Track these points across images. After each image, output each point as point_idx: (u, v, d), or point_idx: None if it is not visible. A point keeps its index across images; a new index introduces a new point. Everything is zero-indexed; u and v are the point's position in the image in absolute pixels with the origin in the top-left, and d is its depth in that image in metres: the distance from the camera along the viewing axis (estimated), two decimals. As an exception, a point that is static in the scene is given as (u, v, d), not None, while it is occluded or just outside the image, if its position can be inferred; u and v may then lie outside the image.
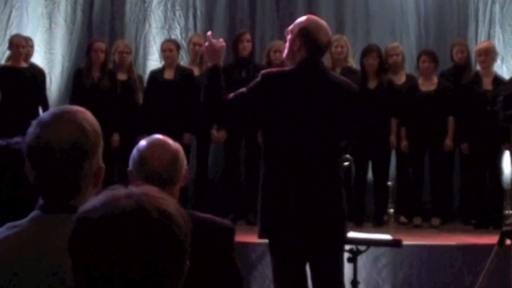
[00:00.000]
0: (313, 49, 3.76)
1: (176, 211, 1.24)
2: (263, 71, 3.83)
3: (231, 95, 3.73)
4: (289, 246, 3.76)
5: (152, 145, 2.56)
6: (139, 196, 1.23)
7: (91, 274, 1.21)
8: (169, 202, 1.25)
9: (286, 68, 3.86)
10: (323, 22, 3.88)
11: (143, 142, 2.58)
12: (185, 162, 2.61)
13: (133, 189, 1.26)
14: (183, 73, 7.38)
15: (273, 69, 3.95)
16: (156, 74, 7.45)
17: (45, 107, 7.24)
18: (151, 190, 1.27)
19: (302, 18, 3.89)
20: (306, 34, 3.77)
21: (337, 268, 3.85)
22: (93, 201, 1.25)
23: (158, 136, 2.62)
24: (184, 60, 7.97)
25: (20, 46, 7.32)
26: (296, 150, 3.72)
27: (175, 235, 1.22)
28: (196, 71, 7.47)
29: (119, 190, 1.25)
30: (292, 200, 3.70)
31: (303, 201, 3.70)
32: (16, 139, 2.18)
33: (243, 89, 3.76)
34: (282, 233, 3.76)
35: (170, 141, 2.60)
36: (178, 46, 7.57)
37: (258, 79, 3.74)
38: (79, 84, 7.29)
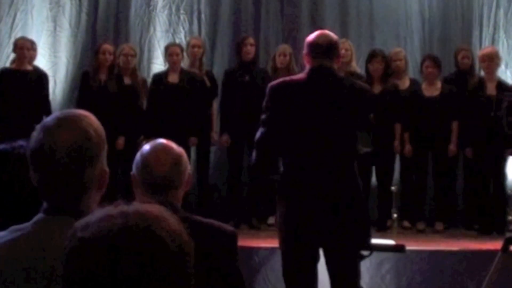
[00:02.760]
0: (314, 52, 3.91)
1: (168, 234, 1.20)
2: (270, 84, 3.98)
3: (260, 136, 3.85)
4: (304, 245, 3.83)
5: (155, 149, 2.56)
6: (131, 215, 1.20)
7: None
8: (165, 223, 1.21)
9: (294, 76, 4.00)
10: (326, 31, 4.07)
11: (146, 147, 2.59)
12: (188, 166, 2.61)
13: (130, 207, 1.23)
14: (188, 77, 7.38)
15: (280, 79, 4.07)
16: (160, 77, 7.44)
17: (48, 111, 7.23)
18: (151, 209, 1.24)
19: None
20: (307, 43, 3.98)
21: (353, 268, 3.91)
22: (88, 216, 1.23)
23: (162, 140, 2.62)
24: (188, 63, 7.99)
25: (25, 48, 7.33)
26: (311, 154, 3.81)
27: (160, 258, 1.18)
28: (196, 74, 7.47)
29: (116, 208, 1.23)
30: (311, 201, 3.77)
31: (321, 202, 3.76)
32: (21, 142, 2.18)
33: (263, 117, 3.88)
34: (299, 231, 3.81)
35: (173, 145, 2.60)
36: (182, 50, 7.57)
37: (267, 94, 3.90)
38: (86, 87, 7.30)
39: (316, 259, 3.91)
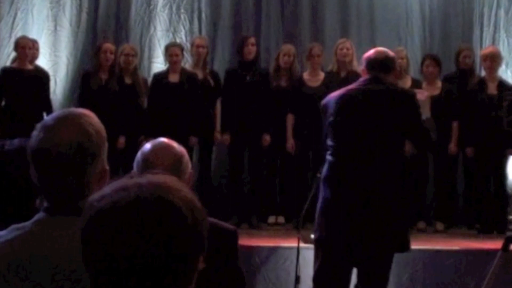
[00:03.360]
0: (370, 66, 4.21)
1: (183, 202, 1.22)
2: (322, 101, 4.26)
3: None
4: (342, 249, 3.99)
5: (156, 148, 2.56)
6: (144, 185, 1.22)
7: (101, 264, 1.19)
8: (178, 193, 1.23)
9: (342, 89, 4.28)
10: (383, 48, 4.41)
11: (147, 145, 2.59)
12: (189, 165, 2.61)
13: (144, 178, 1.25)
14: (188, 77, 7.38)
15: (329, 96, 4.30)
16: (161, 77, 7.43)
17: (49, 110, 7.23)
18: (163, 179, 1.26)
19: None
20: (365, 58, 4.29)
21: (385, 276, 4.10)
22: (104, 189, 1.25)
23: (163, 139, 2.62)
24: (189, 62, 7.98)
25: (27, 47, 7.33)
26: (360, 155, 4.01)
27: (175, 226, 1.20)
28: (200, 73, 7.46)
29: (130, 179, 1.25)
30: (355, 205, 3.96)
31: (366, 207, 3.94)
32: (16, 140, 2.19)
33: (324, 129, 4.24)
34: (338, 237, 3.98)
35: (174, 144, 2.60)
36: (182, 50, 7.57)
37: (321, 109, 4.22)
38: (87, 86, 7.30)
39: (353, 266, 4.06)
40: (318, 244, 4.07)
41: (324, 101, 4.23)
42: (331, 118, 4.09)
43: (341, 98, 4.13)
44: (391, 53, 4.36)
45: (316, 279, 4.05)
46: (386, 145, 4.03)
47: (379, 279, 4.08)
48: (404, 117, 4.07)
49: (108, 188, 1.24)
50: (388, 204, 3.98)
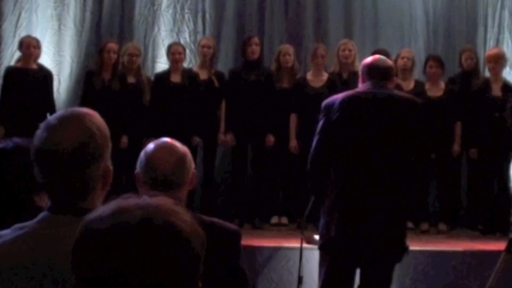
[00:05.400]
0: (371, 73, 4.15)
1: (186, 226, 1.21)
2: (324, 102, 4.15)
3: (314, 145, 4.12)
4: (350, 248, 4.00)
5: (159, 148, 2.56)
6: (148, 207, 1.20)
7: (94, 285, 1.18)
8: (181, 216, 1.22)
9: (345, 92, 4.21)
10: (382, 57, 4.38)
11: (150, 145, 2.59)
12: (192, 165, 2.60)
13: (143, 199, 1.23)
14: (190, 76, 7.38)
15: (331, 97, 4.23)
16: (163, 77, 7.43)
17: (52, 110, 7.23)
18: (163, 201, 1.24)
19: None
20: (365, 64, 4.21)
21: (387, 281, 4.13)
22: (100, 209, 1.23)
23: (166, 139, 2.62)
24: (192, 62, 7.98)
25: (32, 46, 7.33)
26: (364, 167, 4.00)
27: (180, 250, 1.19)
28: (205, 74, 7.46)
29: (128, 200, 1.23)
30: (360, 211, 3.97)
31: (370, 213, 3.96)
32: (16, 139, 2.20)
33: (316, 137, 4.12)
34: (345, 242, 3.99)
35: (177, 144, 2.60)
36: (184, 49, 7.57)
37: (321, 110, 4.12)
38: (90, 86, 7.30)
39: (356, 268, 4.10)
40: (326, 247, 4.07)
41: (327, 101, 4.14)
42: (335, 116, 4.02)
43: (348, 98, 4.07)
44: (390, 62, 4.36)
45: (324, 284, 4.07)
46: (392, 151, 4.03)
47: (382, 283, 4.11)
48: (407, 125, 4.08)
49: (105, 209, 1.21)
50: (391, 209, 4.00)
